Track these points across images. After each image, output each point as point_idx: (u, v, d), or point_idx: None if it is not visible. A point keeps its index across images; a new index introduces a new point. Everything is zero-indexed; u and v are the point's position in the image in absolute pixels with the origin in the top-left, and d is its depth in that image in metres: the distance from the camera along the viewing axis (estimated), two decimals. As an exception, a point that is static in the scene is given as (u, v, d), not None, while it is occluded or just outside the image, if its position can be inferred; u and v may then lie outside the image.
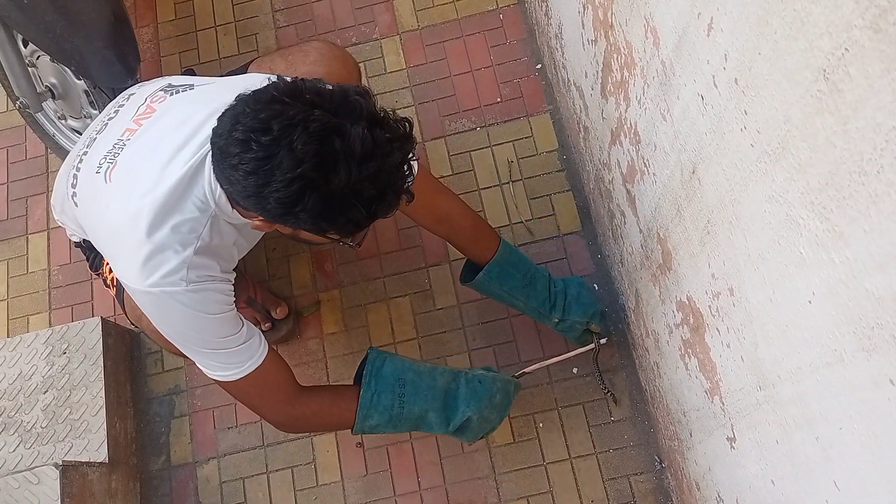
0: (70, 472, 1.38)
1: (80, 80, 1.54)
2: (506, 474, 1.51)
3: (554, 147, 1.76)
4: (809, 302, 0.67)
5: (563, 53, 1.55)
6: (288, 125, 0.83)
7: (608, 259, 1.59)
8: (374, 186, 0.87)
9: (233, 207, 1.00)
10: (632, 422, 1.52)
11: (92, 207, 1.07)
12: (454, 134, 1.80)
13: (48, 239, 1.82)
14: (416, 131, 1.78)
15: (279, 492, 1.55)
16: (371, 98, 0.90)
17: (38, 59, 1.60)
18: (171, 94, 1.10)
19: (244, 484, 1.57)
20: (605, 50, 1.19)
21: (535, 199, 1.71)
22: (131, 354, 1.68)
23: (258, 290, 1.62)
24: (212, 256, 1.03)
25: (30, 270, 1.80)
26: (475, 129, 1.80)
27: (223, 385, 1.11)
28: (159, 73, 1.95)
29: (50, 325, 1.72)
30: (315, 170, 0.83)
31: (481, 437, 1.31)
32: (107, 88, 1.46)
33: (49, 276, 1.79)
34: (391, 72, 1.88)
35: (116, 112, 1.16)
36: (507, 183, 1.74)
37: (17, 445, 1.51)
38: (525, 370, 1.46)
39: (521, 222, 1.70)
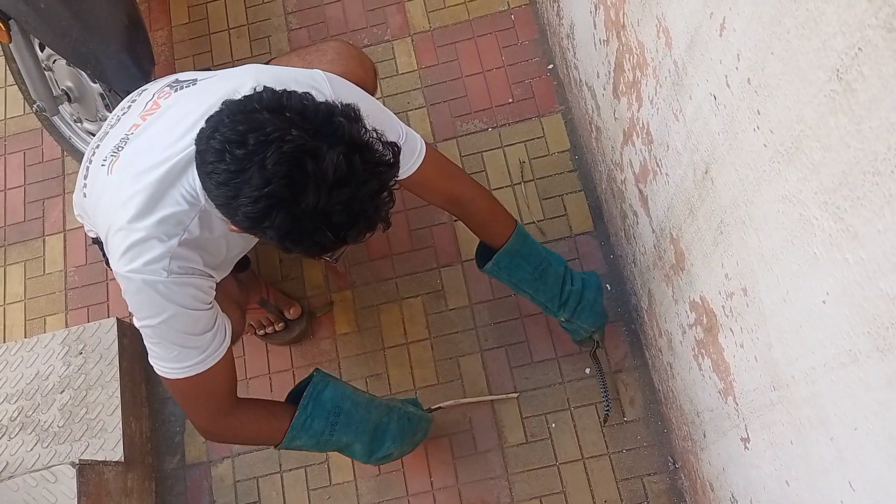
0: (86, 470, 1.39)
1: (95, 83, 1.55)
2: (518, 474, 1.51)
3: (566, 147, 1.75)
4: (823, 302, 0.67)
5: (574, 53, 1.55)
6: (263, 141, 0.83)
7: (620, 259, 1.59)
8: (344, 213, 0.86)
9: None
10: (645, 422, 1.51)
11: (98, 199, 1.09)
12: (466, 135, 1.80)
13: (64, 241, 1.85)
14: (427, 132, 1.82)
15: (293, 491, 1.56)
16: (358, 122, 0.89)
17: (54, 62, 1.62)
18: (176, 90, 1.11)
19: (258, 483, 1.58)
20: (617, 50, 1.19)
21: (547, 199, 1.71)
22: (146, 355, 1.69)
23: (271, 290, 1.63)
24: (197, 250, 1.03)
25: (46, 272, 1.82)
26: (487, 129, 1.80)
27: (162, 378, 1.11)
28: (173, 76, 1.96)
29: (66, 326, 1.74)
30: (284, 189, 0.83)
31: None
32: (122, 92, 1.47)
33: (65, 277, 1.81)
34: (403, 73, 1.89)
35: (129, 107, 1.17)
36: (519, 183, 1.74)
37: (35, 444, 1.53)
38: (441, 405, 1.52)
39: (534, 222, 1.70)
